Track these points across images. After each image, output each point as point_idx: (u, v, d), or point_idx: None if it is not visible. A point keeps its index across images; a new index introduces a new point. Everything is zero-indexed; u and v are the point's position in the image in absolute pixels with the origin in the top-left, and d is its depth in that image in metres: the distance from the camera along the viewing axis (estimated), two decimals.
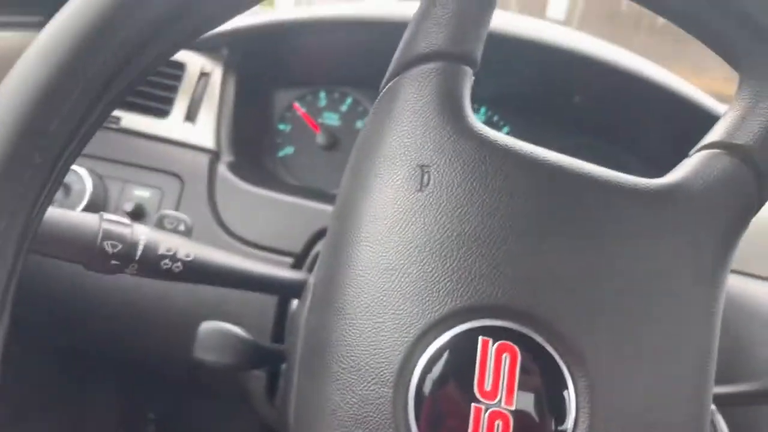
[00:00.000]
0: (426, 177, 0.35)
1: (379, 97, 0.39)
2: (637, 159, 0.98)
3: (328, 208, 0.85)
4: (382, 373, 0.33)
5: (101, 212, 0.53)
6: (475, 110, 1.01)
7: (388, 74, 0.39)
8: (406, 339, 0.33)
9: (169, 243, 0.54)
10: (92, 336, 0.87)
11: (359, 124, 1.02)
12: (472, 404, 0.32)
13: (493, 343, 0.33)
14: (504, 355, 0.33)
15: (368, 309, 0.34)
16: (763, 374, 0.75)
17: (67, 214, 0.51)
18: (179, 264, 0.54)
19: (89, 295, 0.82)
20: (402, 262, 0.34)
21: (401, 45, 0.39)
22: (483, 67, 0.94)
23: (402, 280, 0.34)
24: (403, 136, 0.36)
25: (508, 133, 1.00)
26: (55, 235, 0.48)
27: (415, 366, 0.33)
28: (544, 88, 0.95)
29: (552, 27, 0.85)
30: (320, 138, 1.00)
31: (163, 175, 0.86)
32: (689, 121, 0.85)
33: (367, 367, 0.34)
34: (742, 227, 0.37)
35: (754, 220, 0.81)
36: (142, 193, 0.85)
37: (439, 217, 0.35)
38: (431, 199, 0.35)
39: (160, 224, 0.58)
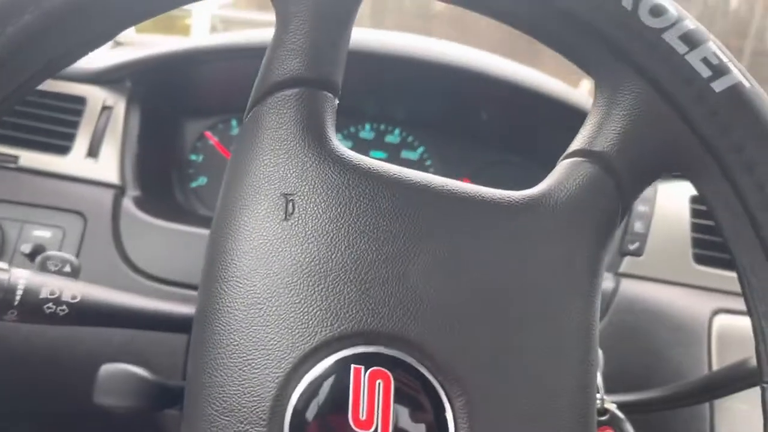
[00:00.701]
0: (290, 205, 0.35)
1: (240, 127, 0.38)
2: (547, 170, 1.00)
3: None
4: (255, 412, 0.32)
5: None
6: (389, 132, 1.02)
7: (248, 103, 0.38)
8: (277, 374, 0.32)
9: (52, 286, 0.51)
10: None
11: None
12: None
13: (366, 371, 0.32)
14: (378, 382, 0.32)
15: (237, 347, 0.33)
16: (673, 379, 0.76)
17: None
18: (64, 307, 0.51)
19: None
20: (269, 295, 0.33)
21: (260, 73, 0.39)
22: (394, 90, 0.95)
23: (270, 313, 0.33)
24: (266, 166, 0.35)
25: (422, 153, 1.01)
26: None
27: (288, 402, 0.32)
28: (454, 107, 0.96)
29: (455, 46, 0.86)
30: None
31: (65, 213, 0.82)
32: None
33: (239, 408, 0.32)
34: (609, 234, 0.37)
35: (655, 223, 0.84)
36: (42, 234, 0.81)
37: (305, 245, 0.34)
38: (296, 228, 0.34)
39: (43, 266, 0.54)
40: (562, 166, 0.38)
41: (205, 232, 0.83)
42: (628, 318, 0.81)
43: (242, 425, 0.32)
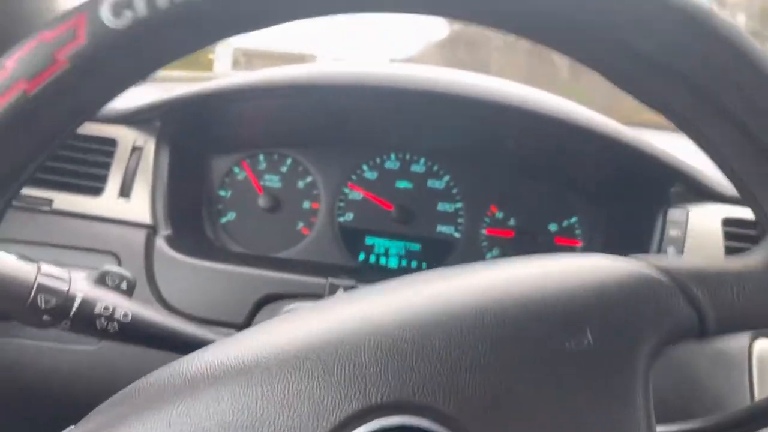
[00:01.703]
0: None
1: None
2: (578, 195, 1.00)
3: (270, 274, 0.84)
4: None
5: (39, 262, 0.52)
6: (414, 161, 1.02)
7: None
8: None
9: (107, 301, 0.53)
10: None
11: (300, 184, 1.01)
12: None
13: None
14: None
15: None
16: (714, 408, 0.75)
17: (2, 260, 0.50)
18: (115, 324, 0.54)
19: None
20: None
21: None
22: (419, 122, 0.95)
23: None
24: None
25: (448, 182, 1.02)
26: None
27: None
28: (479, 137, 0.96)
29: (479, 78, 0.86)
30: (262, 200, 1.00)
31: (99, 254, 0.84)
32: (616, 157, 0.87)
33: None
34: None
35: (689, 248, 0.83)
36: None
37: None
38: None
39: (101, 281, 0.56)
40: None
41: (237, 269, 0.84)
42: None
43: None
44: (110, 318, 0.54)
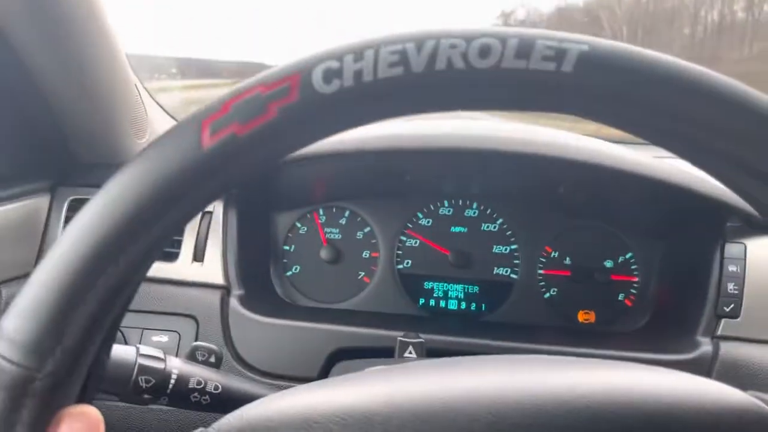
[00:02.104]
0: None
1: None
2: (633, 233, 1.01)
3: (340, 328, 0.87)
4: None
5: (137, 345, 0.58)
6: (468, 206, 1.05)
7: None
8: None
9: (199, 376, 0.59)
10: None
11: (359, 235, 1.05)
12: None
13: None
14: None
15: None
16: None
17: None
18: (207, 397, 0.58)
19: None
20: None
21: None
22: (472, 173, 0.98)
23: None
24: None
25: (501, 224, 1.04)
26: None
27: None
28: (530, 184, 0.99)
29: (531, 131, 0.89)
30: (325, 252, 1.04)
31: (179, 318, 0.89)
32: (668, 198, 0.89)
33: None
34: None
35: (749, 283, 0.84)
36: (160, 339, 0.88)
37: None
38: None
39: (192, 356, 0.62)
40: None
41: (307, 325, 0.88)
42: (732, 383, 0.80)
43: None
44: (202, 392, 0.59)
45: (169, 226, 0.28)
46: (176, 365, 0.59)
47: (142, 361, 0.57)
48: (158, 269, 0.92)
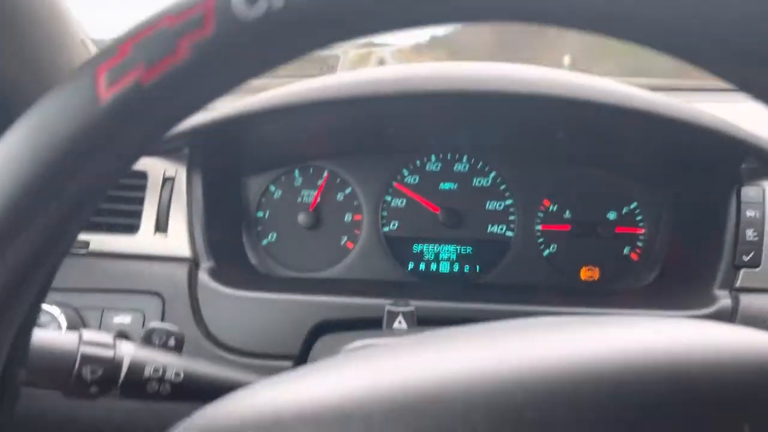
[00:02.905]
0: None
1: None
2: (638, 180, 0.93)
3: (322, 299, 0.79)
4: None
5: (81, 330, 0.50)
6: (457, 160, 0.97)
7: None
8: None
9: (156, 362, 0.51)
10: None
11: (340, 196, 0.97)
12: None
13: None
14: None
15: None
16: None
17: (40, 334, 0.48)
18: (167, 386, 0.51)
19: None
20: None
21: None
22: (457, 121, 0.89)
23: None
24: None
25: (495, 179, 0.96)
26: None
27: None
28: (524, 130, 0.90)
29: (515, 69, 0.79)
30: (302, 217, 0.95)
31: (143, 295, 0.80)
32: (676, 136, 0.80)
33: None
34: None
35: None
36: (122, 320, 0.79)
37: None
38: None
39: (148, 340, 0.54)
40: None
41: (286, 297, 0.80)
42: None
43: None
44: (161, 380, 0.52)
45: (72, 204, 0.23)
46: (128, 352, 0.52)
47: (85, 349, 0.50)
48: (117, 243, 0.83)
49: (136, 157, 0.25)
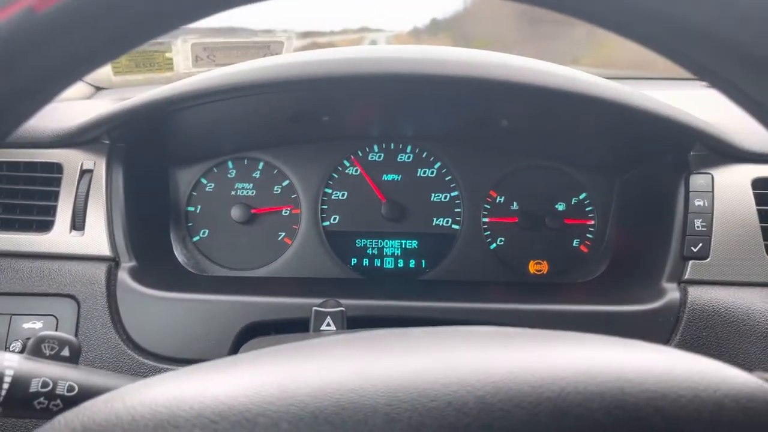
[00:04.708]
0: None
1: None
2: (586, 170, 0.90)
3: (252, 299, 0.74)
4: None
5: None
6: (401, 150, 0.92)
7: None
8: None
9: (46, 375, 0.45)
10: None
11: (277, 189, 0.91)
12: None
13: None
14: None
15: None
16: None
17: None
18: (58, 402, 0.45)
19: None
20: None
21: None
22: (399, 108, 0.84)
23: None
24: None
25: (440, 169, 0.92)
26: None
27: None
28: (468, 118, 0.86)
29: (457, 53, 0.75)
30: (236, 212, 0.89)
31: (55, 298, 0.74)
32: (623, 122, 0.77)
33: None
34: None
35: (717, 218, 0.73)
36: (32, 326, 0.72)
37: None
38: None
39: (36, 350, 0.48)
40: None
41: (214, 298, 0.74)
42: (703, 333, 0.71)
43: None
44: (51, 395, 0.45)
45: None
46: (11, 364, 0.45)
47: None
48: (28, 241, 0.76)
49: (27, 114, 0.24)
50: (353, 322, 0.63)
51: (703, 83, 1.14)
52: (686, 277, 0.73)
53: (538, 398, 0.25)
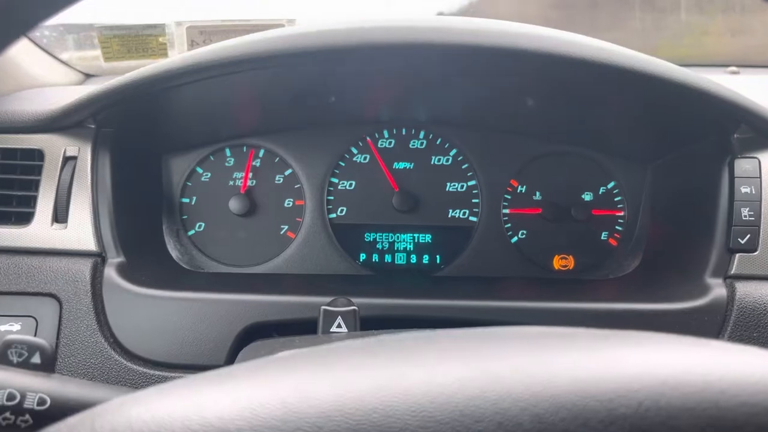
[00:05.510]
0: None
1: None
2: (612, 157, 0.83)
3: (252, 298, 0.67)
4: None
5: None
6: (413, 136, 0.85)
7: None
8: None
9: (12, 386, 0.41)
10: None
11: (279, 178, 0.84)
12: None
13: None
14: None
15: None
16: None
17: None
18: (27, 417, 0.40)
19: None
20: None
21: None
22: (412, 88, 0.77)
23: None
24: None
25: (456, 156, 0.85)
26: None
27: None
28: (489, 98, 0.79)
29: (479, 22, 0.67)
30: (235, 204, 0.83)
31: (34, 298, 0.67)
32: (661, 99, 0.70)
33: None
34: None
35: (766, 206, 0.67)
36: (8, 328, 0.66)
37: None
38: None
39: (2, 358, 0.43)
40: None
41: (211, 297, 0.67)
42: (754, 334, 0.64)
43: None
44: (19, 410, 0.40)
45: None
46: None
47: None
48: (6, 235, 0.70)
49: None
50: (363, 323, 0.56)
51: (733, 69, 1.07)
52: (733, 271, 0.67)
53: (609, 416, 0.22)
